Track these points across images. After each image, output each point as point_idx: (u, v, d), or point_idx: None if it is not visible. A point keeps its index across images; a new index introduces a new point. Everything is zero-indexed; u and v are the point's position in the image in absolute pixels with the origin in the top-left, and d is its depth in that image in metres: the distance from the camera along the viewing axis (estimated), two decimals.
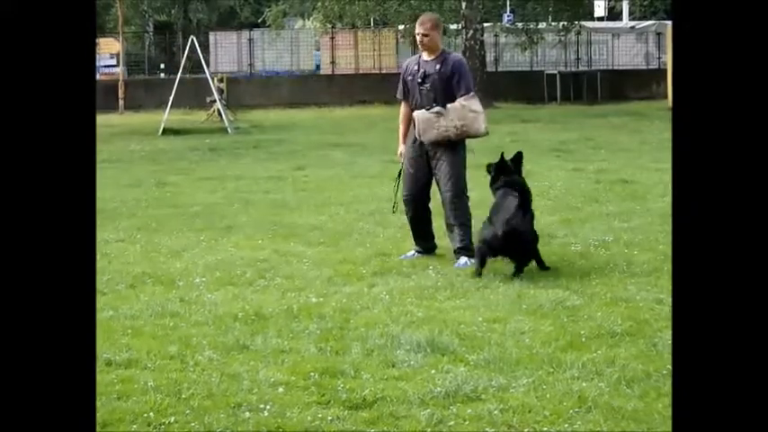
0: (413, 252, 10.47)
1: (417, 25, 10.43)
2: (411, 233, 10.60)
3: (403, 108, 10.60)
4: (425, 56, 10.39)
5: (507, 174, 10.05)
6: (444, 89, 10.23)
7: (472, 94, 10.35)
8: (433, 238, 10.57)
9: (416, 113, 10.21)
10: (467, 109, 10.19)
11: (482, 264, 9.43)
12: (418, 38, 10.36)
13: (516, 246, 9.40)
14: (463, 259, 10.02)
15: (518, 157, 10.23)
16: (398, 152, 10.69)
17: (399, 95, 10.60)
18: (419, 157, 10.36)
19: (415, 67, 10.39)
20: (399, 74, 10.90)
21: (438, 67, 10.26)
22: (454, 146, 10.24)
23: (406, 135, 10.54)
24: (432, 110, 10.14)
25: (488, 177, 10.26)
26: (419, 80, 10.29)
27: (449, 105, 10.14)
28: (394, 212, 10.91)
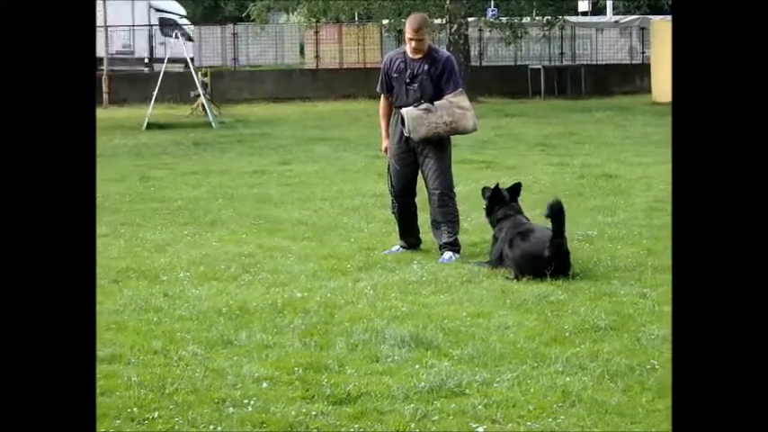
0: (397, 247, 10.47)
1: (409, 30, 10.13)
2: (397, 228, 10.61)
3: (383, 103, 10.53)
4: (411, 54, 10.20)
5: (504, 202, 10.04)
6: (433, 88, 10.14)
7: (460, 90, 10.29)
8: (418, 233, 10.57)
9: (405, 110, 10.12)
10: (455, 105, 10.14)
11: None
12: (412, 43, 10.12)
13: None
14: (448, 254, 10.05)
15: (516, 188, 10.25)
16: (383, 147, 10.63)
17: (380, 90, 10.47)
18: (405, 154, 10.32)
19: (402, 65, 10.22)
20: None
21: (427, 67, 10.13)
22: (441, 143, 10.22)
23: (388, 130, 10.47)
24: (420, 106, 10.08)
25: (483, 201, 10.25)
26: (407, 80, 10.16)
27: (437, 102, 10.09)
28: (393, 213, 10.66)
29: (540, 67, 40.04)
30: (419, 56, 10.16)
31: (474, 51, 39.92)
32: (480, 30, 40.97)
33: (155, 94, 28.03)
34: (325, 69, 41.45)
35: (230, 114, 31.25)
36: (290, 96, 38.22)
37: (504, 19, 39.80)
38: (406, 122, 10.10)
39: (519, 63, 41.42)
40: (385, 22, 39.08)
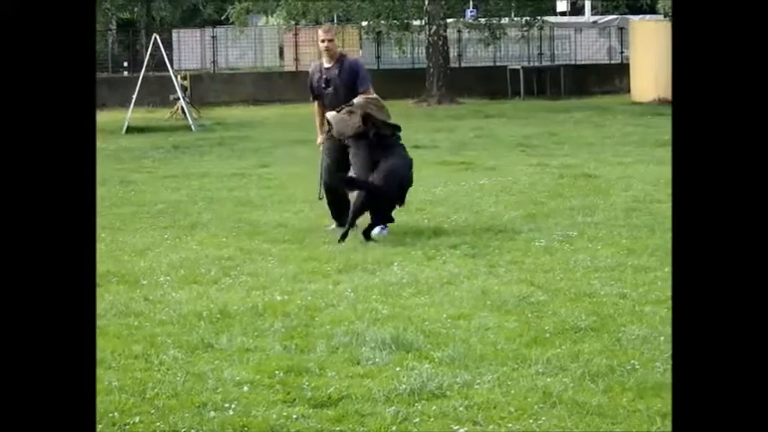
0: (333, 225, 11.73)
1: (322, 33, 11.92)
2: (329, 212, 11.93)
3: (316, 106, 12.11)
4: (326, 62, 11.85)
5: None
6: (346, 89, 11.61)
7: (370, 88, 11.72)
8: (348, 209, 11.59)
9: (329, 115, 11.51)
10: (371, 103, 11.53)
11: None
12: (324, 44, 11.80)
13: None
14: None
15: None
16: (318, 142, 12.09)
17: (311, 96, 12.12)
18: (333, 149, 11.75)
19: (318, 74, 11.87)
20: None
21: (337, 72, 11.72)
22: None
23: (322, 128, 11.94)
24: (342, 110, 11.39)
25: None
26: (323, 85, 11.79)
27: (354, 101, 11.44)
28: (320, 199, 12.02)
29: (519, 67, 40.10)
30: (331, 63, 11.80)
31: (453, 52, 39.97)
32: (459, 31, 41.02)
33: (134, 97, 27.96)
34: (304, 72, 41.24)
35: (210, 117, 31.22)
36: (270, 99, 38.18)
37: (482, 20, 39.87)
38: (332, 125, 11.46)
39: (498, 64, 41.46)
40: (364, 23, 39.09)
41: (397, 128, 11.69)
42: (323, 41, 11.80)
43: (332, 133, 11.55)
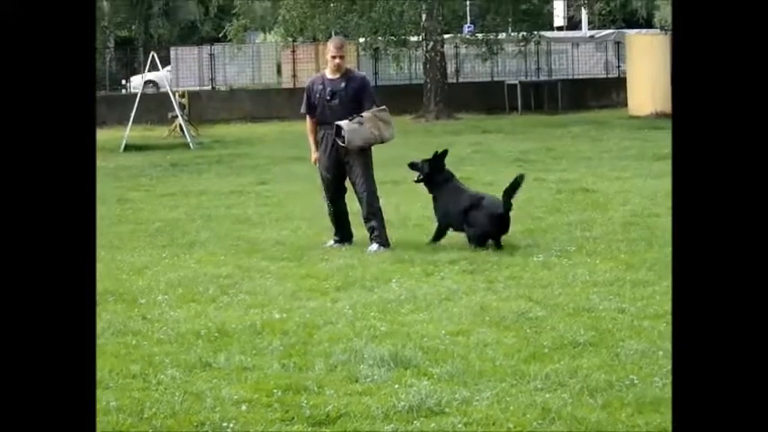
0: (332, 241, 11.87)
1: (334, 48, 11.73)
2: (332, 225, 11.96)
3: (309, 122, 11.98)
4: (330, 74, 11.74)
5: (443, 169, 11.98)
6: (351, 103, 11.56)
7: (383, 107, 11.74)
8: (349, 226, 11.97)
9: (343, 123, 11.40)
10: (378, 118, 11.60)
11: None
12: (336, 60, 11.68)
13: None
14: (375, 246, 11.46)
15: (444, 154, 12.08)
16: (313, 159, 12.02)
17: (304, 110, 11.96)
18: (334, 165, 11.73)
19: (321, 86, 11.71)
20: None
21: (344, 85, 11.62)
22: (365, 153, 11.71)
23: (316, 144, 11.87)
24: (353, 120, 11.42)
25: (416, 172, 12.06)
26: (327, 97, 11.63)
27: (364, 114, 11.50)
28: (330, 214, 12.00)
29: (516, 82, 40.14)
30: (337, 76, 11.70)
31: (450, 68, 39.99)
32: (456, 46, 41.04)
33: (132, 115, 27.98)
34: (302, 88, 41.10)
35: (208, 135, 31.22)
36: (268, 116, 38.17)
37: (480, 35, 39.85)
38: (344, 134, 11.38)
39: (495, 79, 41.47)
40: (361, 40, 39.10)
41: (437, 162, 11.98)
42: (334, 57, 11.71)
43: (340, 143, 11.47)
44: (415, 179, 12.17)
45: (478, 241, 11.30)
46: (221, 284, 9.85)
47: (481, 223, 11.36)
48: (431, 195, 12.01)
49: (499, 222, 11.37)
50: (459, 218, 11.53)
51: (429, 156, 12.05)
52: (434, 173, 11.95)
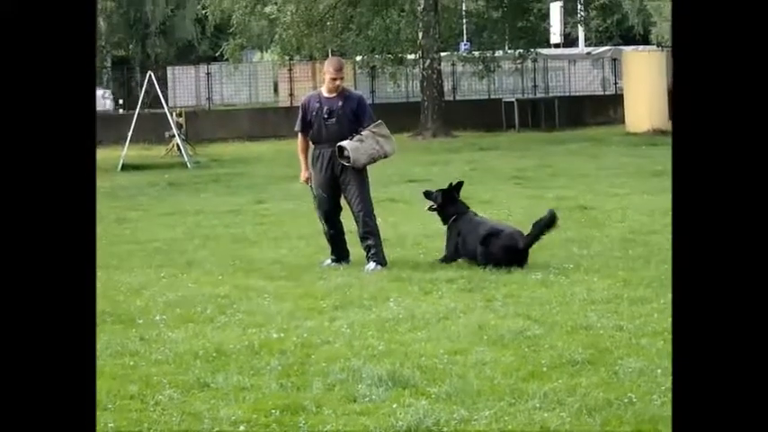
0: (328, 261, 11.87)
1: (333, 70, 11.67)
2: (329, 245, 11.96)
3: (300, 139, 12.05)
4: (326, 93, 11.74)
5: (456, 201, 11.87)
6: (348, 123, 11.59)
7: (379, 122, 11.79)
8: (345, 245, 11.95)
9: (345, 143, 11.44)
10: (378, 135, 11.65)
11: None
12: (336, 82, 11.64)
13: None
14: (372, 264, 11.46)
15: (459, 186, 12.01)
16: (303, 178, 12.05)
17: (299, 128, 11.94)
18: (329, 184, 11.72)
19: (317, 105, 11.71)
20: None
21: (341, 103, 11.63)
22: (361, 172, 11.68)
23: (307, 163, 11.93)
24: (354, 138, 11.47)
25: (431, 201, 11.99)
26: (325, 116, 11.63)
27: (363, 132, 11.56)
28: (326, 234, 11.95)
29: (513, 99, 40.18)
30: (334, 95, 11.69)
31: (447, 86, 40.02)
32: (453, 64, 41.07)
33: (129, 134, 27.99)
34: (299, 107, 41.36)
35: (205, 154, 31.23)
36: (265, 135, 38.17)
37: (476, 53, 39.91)
38: (348, 155, 11.40)
39: (492, 96, 41.51)
40: (358, 58, 39.16)
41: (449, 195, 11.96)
42: (334, 79, 11.67)
43: (345, 163, 11.47)
44: (428, 207, 12.10)
45: (487, 262, 11.11)
46: (219, 304, 9.84)
47: (496, 253, 11.15)
48: (430, 214, 12.12)
49: (514, 256, 11.13)
50: (475, 249, 11.32)
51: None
52: (447, 204, 11.87)
